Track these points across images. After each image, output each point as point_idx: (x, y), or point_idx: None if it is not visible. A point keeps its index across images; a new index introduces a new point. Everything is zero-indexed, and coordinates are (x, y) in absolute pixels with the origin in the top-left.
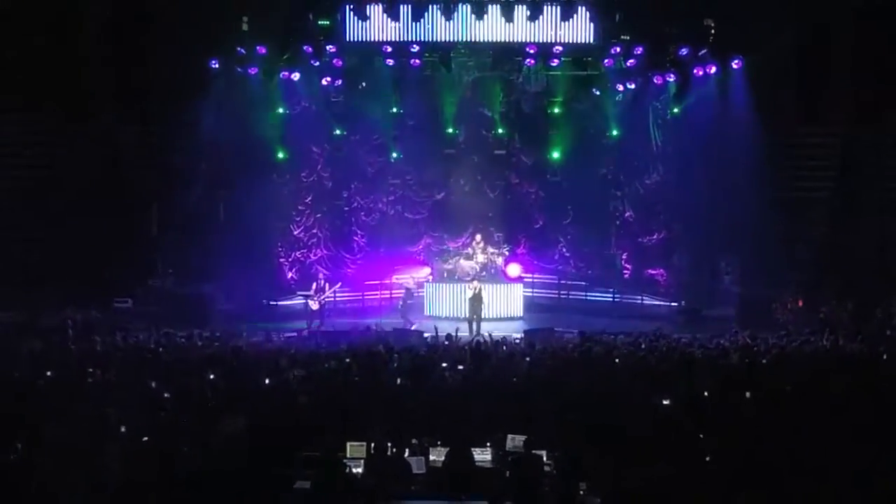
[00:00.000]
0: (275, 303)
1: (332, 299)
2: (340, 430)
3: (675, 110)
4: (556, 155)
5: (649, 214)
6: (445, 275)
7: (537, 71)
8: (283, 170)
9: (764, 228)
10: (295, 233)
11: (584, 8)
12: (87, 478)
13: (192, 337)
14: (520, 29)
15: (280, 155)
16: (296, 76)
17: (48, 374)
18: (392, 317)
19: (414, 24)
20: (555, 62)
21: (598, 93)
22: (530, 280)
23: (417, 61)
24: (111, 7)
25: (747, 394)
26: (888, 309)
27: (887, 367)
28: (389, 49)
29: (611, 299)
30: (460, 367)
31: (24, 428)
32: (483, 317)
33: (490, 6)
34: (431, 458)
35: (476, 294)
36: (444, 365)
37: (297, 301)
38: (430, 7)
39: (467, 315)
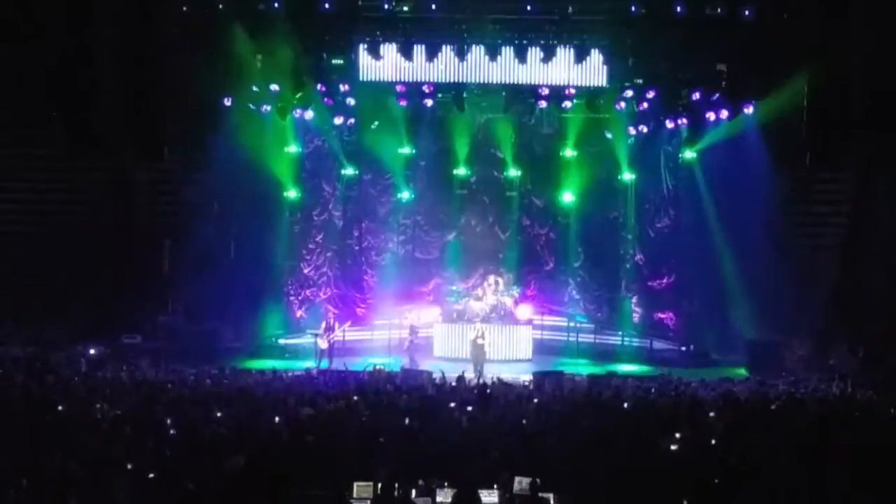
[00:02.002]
0: (284, 341)
1: (342, 338)
2: (347, 469)
3: (688, 154)
4: (567, 197)
5: (660, 258)
6: (455, 316)
7: (550, 113)
8: (294, 208)
9: (775, 273)
10: (305, 271)
11: (597, 51)
12: None
13: (201, 374)
14: (533, 70)
15: (292, 193)
16: (309, 115)
17: (57, 408)
18: (402, 356)
19: (427, 64)
20: (567, 104)
21: (610, 136)
22: (539, 322)
23: (430, 101)
24: (125, 43)
25: (755, 438)
26: None
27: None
28: (402, 89)
29: (620, 342)
30: (469, 408)
31: (32, 461)
32: (489, 359)
33: (503, 47)
34: (438, 499)
35: (478, 337)
36: (452, 405)
37: (307, 340)
38: (444, 47)
39: (470, 358)
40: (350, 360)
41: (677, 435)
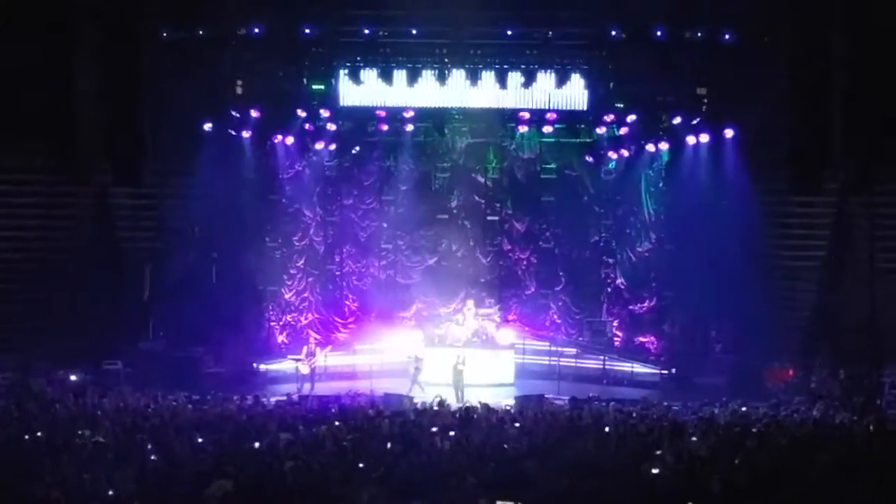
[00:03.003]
0: (265, 367)
1: (323, 364)
2: (329, 494)
3: (668, 178)
4: (547, 222)
5: (641, 282)
6: (436, 340)
7: (530, 137)
8: (275, 234)
9: (756, 297)
10: (286, 296)
11: (577, 75)
12: None
13: (182, 400)
14: (513, 95)
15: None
16: (289, 140)
17: (38, 434)
18: (383, 380)
19: (408, 88)
20: (548, 129)
21: (590, 160)
22: (521, 346)
23: (411, 126)
24: (106, 68)
25: (736, 461)
26: (879, 378)
27: (878, 438)
28: (383, 114)
29: (601, 366)
30: (451, 432)
31: (14, 489)
32: (469, 383)
33: (484, 72)
34: None
35: (458, 363)
36: (434, 430)
37: (288, 365)
38: (424, 72)
39: (451, 383)
40: (332, 386)
41: (659, 459)
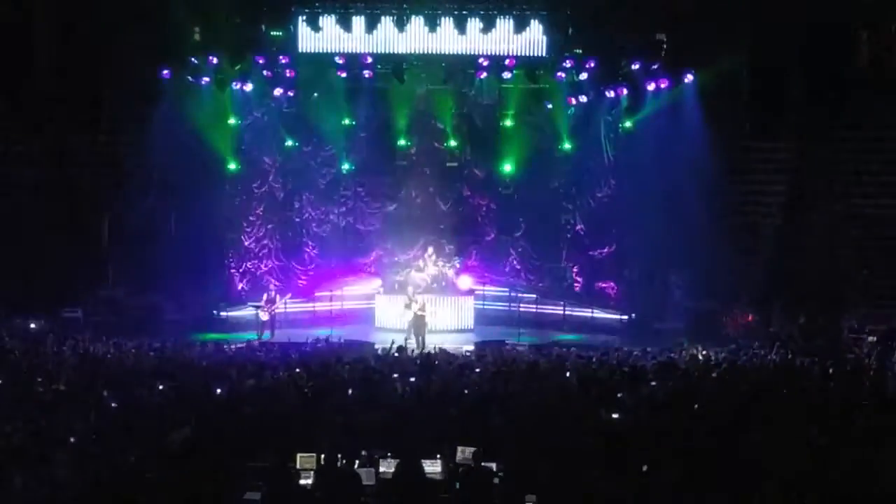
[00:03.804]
0: (225, 313)
1: (283, 310)
2: (290, 440)
3: (628, 124)
4: (507, 168)
5: (600, 228)
6: (396, 287)
7: (489, 83)
8: (234, 180)
9: (715, 242)
10: (246, 243)
11: (536, 21)
12: (34, 486)
13: (142, 347)
14: (472, 41)
15: (231, 166)
16: (248, 87)
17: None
18: (345, 328)
19: (367, 35)
20: (507, 75)
21: (550, 106)
22: (481, 292)
23: (370, 73)
24: (61, 15)
25: (695, 406)
26: (838, 322)
27: (837, 380)
28: (342, 60)
29: (561, 312)
30: (411, 378)
31: None
32: (431, 329)
33: (443, 18)
34: (381, 469)
35: (419, 308)
36: (395, 376)
37: (248, 312)
38: (383, 18)
39: (411, 329)
40: (292, 333)
41: (618, 404)
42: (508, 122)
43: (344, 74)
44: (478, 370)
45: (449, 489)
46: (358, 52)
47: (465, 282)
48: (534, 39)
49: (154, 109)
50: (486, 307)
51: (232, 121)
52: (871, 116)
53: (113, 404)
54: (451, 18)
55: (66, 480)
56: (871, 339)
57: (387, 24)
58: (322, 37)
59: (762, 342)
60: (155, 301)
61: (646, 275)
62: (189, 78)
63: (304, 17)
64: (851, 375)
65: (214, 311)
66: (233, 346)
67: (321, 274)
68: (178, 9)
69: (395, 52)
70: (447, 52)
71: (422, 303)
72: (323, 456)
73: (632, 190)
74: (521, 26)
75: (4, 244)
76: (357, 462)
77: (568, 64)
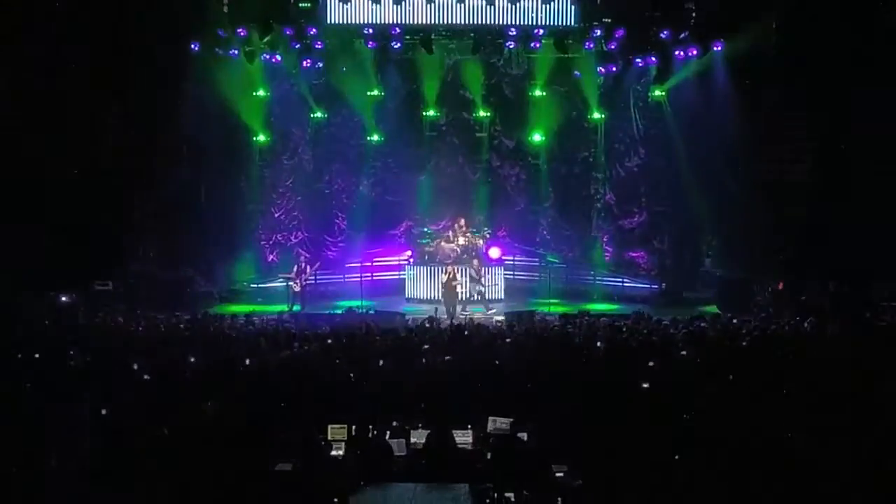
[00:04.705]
0: (256, 285)
1: (313, 281)
2: (321, 411)
3: (657, 93)
4: (537, 138)
5: (630, 197)
6: (426, 257)
7: (518, 53)
8: (264, 152)
9: (745, 211)
10: (276, 215)
11: None
12: (65, 457)
13: (173, 319)
14: (501, 12)
15: (261, 137)
16: (277, 59)
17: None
18: (375, 298)
19: (395, 6)
20: (536, 45)
21: (579, 75)
22: (511, 263)
23: (398, 44)
24: None
25: (729, 376)
26: (869, 291)
27: (867, 350)
28: (370, 31)
29: (592, 282)
30: (442, 349)
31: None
32: (461, 300)
33: None
34: (412, 439)
35: (450, 279)
36: (426, 347)
37: (279, 283)
38: None
39: (442, 300)
40: (322, 304)
41: (649, 373)
42: (538, 92)
43: (372, 45)
44: (508, 340)
45: (480, 459)
46: (386, 23)
47: (495, 252)
48: (562, 9)
49: (184, 83)
50: (516, 277)
51: (261, 93)
52: None
53: (145, 376)
54: None
55: (98, 452)
56: None
57: None
58: (350, 8)
59: (793, 311)
60: (185, 274)
61: (676, 244)
62: (218, 50)
63: None
64: (882, 344)
65: (245, 283)
66: (264, 318)
67: (351, 245)
68: None
69: (424, 23)
70: (475, 23)
71: (453, 273)
72: (354, 427)
73: (661, 159)
74: None
75: (36, 219)
76: (388, 432)
77: (596, 33)
